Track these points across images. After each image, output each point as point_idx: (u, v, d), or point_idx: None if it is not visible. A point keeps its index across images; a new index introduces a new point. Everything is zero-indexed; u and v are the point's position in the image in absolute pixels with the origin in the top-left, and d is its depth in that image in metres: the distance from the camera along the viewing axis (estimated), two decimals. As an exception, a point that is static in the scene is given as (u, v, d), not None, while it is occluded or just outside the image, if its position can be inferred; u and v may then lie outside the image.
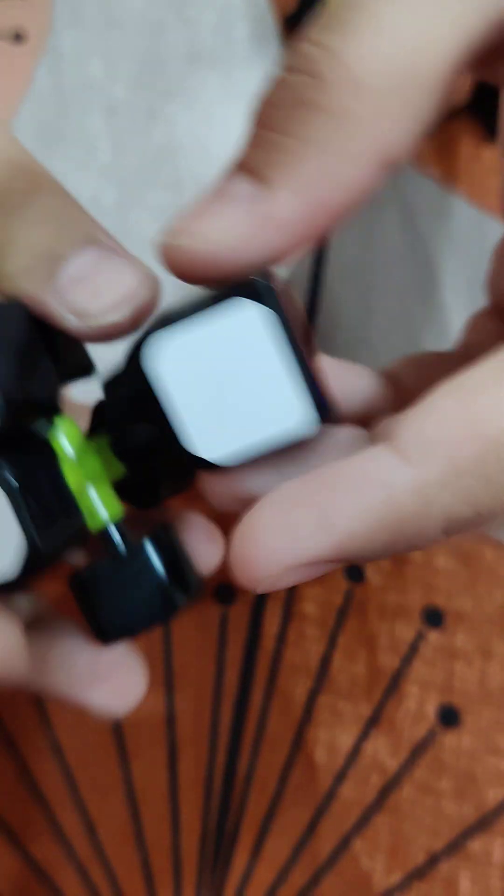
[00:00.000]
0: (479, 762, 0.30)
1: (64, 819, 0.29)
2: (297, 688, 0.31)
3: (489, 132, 0.39)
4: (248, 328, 0.16)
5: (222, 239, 0.16)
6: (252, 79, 0.40)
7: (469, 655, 0.31)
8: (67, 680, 0.21)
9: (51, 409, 0.20)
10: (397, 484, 0.15)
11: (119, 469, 0.20)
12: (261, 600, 0.32)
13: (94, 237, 0.18)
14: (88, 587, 0.20)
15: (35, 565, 0.18)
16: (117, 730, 0.30)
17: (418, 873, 0.29)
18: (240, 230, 0.16)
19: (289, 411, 0.17)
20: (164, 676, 0.31)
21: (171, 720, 0.30)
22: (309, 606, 0.32)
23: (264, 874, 0.29)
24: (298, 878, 0.29)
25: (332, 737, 0.30)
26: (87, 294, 0.17)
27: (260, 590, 0.16)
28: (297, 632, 0.31)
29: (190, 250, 0.16)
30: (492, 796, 0.30)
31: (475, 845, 0.29)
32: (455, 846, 0.29)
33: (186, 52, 0.40)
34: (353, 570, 0.32)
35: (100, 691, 0.20)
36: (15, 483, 0.18)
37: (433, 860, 0.29)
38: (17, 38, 0.36)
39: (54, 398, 0.20)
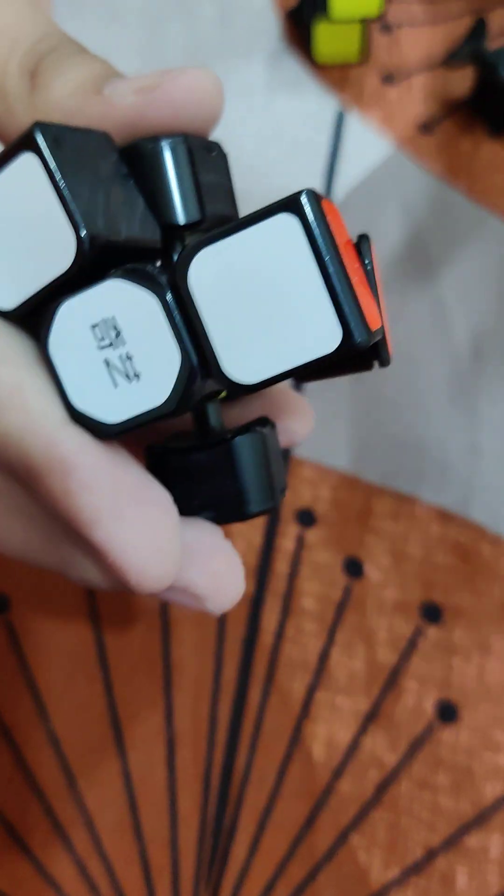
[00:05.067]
0: (477, 758, 0.30)
1: (61, 811, 0.29)
2: (296, 683, 0.31)
3: (493, 128, 0.39)
4: (287, 239, 0.16)
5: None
6: (253, 72, 0.40)
7: (467, 651, 0.31)
8: None
9: (152, 253, 0.18)
10: None
11: None
12: (259, 596, 0.32)
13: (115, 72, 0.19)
14: (232, 455, 0.19)
15: (192, 392, 0.17)
16: (115, 722, 0.30)
17: (415, 868, 0.29)
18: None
19: (322, 332, 0.16)
20: (163, 671, 0.31)
21: (169, 715, 0.30)
22: (307, 602, 0.32)
23: (262, 868, 0.29)
24: (296, 872, 0.29)
25: (331, 732, 0.30)
26: (133, 86, 0.18)
27: None
28: (296, 627, 0.31)
29: None
30: (489, 792, 0.30)
31: (472, 840, 0.29)
32: (452, 841, 0.29)
33: (186, 46, 0.40)
34: (353, 565, 0.32)
35: (201, 571, 0.19)
36: (165, 286, 0.16)
37: (430, 855, 0.29)
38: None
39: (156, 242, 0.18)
